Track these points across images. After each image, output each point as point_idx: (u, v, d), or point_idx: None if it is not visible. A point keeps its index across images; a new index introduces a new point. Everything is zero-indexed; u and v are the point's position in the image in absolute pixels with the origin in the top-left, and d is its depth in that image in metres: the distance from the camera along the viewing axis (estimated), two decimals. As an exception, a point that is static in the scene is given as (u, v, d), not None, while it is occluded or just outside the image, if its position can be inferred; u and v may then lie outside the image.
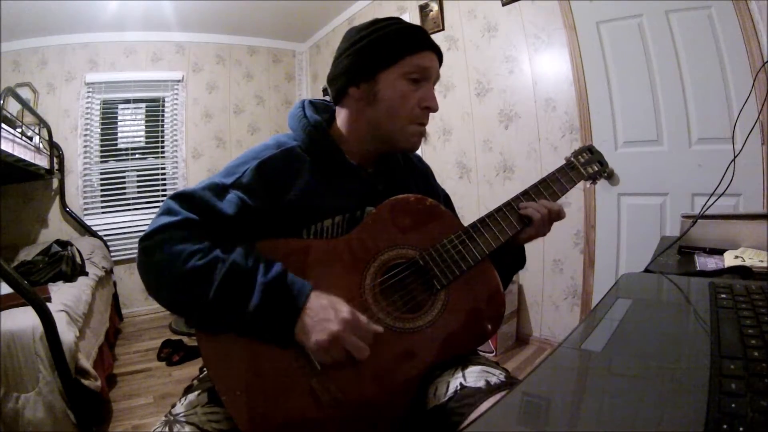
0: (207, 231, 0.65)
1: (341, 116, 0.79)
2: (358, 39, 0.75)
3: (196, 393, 0.67)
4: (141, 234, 0.65)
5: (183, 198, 0.67)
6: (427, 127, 0.79)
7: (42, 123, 2.76)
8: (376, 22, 0.76)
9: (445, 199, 0.93)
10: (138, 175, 3.43)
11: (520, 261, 0.85)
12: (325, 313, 0.60)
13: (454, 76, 2.58)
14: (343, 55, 0.76)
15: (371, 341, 0.62)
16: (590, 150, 0.89)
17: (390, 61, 0.72)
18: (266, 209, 0.70)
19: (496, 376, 0.64)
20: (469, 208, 2.50)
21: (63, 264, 2.12)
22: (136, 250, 0.66)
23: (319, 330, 0.59)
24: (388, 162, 0.83)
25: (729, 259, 0.77)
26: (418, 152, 0.89)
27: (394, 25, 0.75)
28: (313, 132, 0.75)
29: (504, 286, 0.76)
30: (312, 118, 0.77)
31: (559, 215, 0.78)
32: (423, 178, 0.89)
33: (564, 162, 0.86)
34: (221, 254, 0.62)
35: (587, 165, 0.86)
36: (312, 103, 0.81)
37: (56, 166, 2.91)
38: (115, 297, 3.01)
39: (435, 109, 0.76)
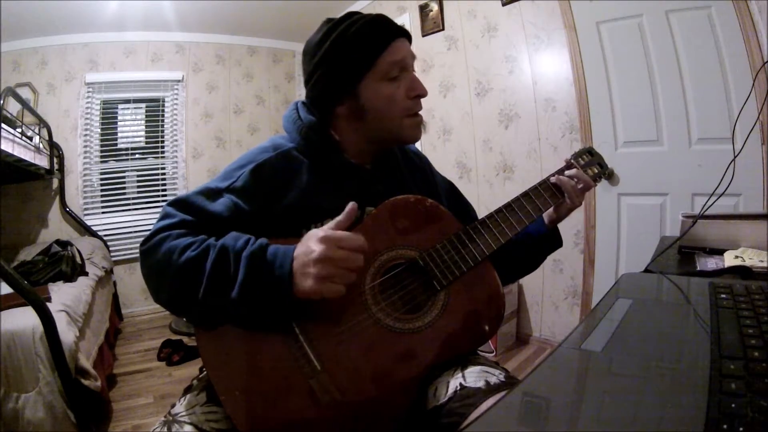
0: (203, 231, 0.66)
1: (334, 129, 0.77)
2: (322, 56, 0.71)
3: (195, 392, 0.67)
4: (141, 234, 0.65)
5: (178, 203, 0.68)
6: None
7: (42, 123, 2.76)
8: (331, 28, 0.71)
9: (450, 188, 0.93)
10: (138, 175, 3.43)
11: (556, 241, 0.87)
12: (306, 248, 0.59)
13: (454, 76, 2.58)
14: (313, 77, 0.73)
15: (360, 245, 0.60)
16: (590, 152, 0.89)
17: (363, 70, 0.70)
18: (264, 212, 0.70)
19: (496, 376, 0.64)
20: (469, 208, 2.50)
21: (63, 264, 2.12)
22: (136, 250, 0.67)
23: (308, 265, 0.58)
24: (386, 160, 0.83)
25: (729, 259, 0.77)
26: (418, 147, 0.89)
27: (352, 25, 0.70)
28: (308, 132, 0.75)
29: (535, 266, 0.87)
30: (306, 118, 0.76)
31: (587, 184, 0.81)
32: (422, 174, 0.88)
33: (564, 164, 0.86)
34: (214, 242, 0.63)
35: (587, 167, 0.86)
36: (305, 103, 0.81)
37: (56, 166, 2.91)
38: (115, 297, 3.00)
39: (424, 95, 0.75)
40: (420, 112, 0.77)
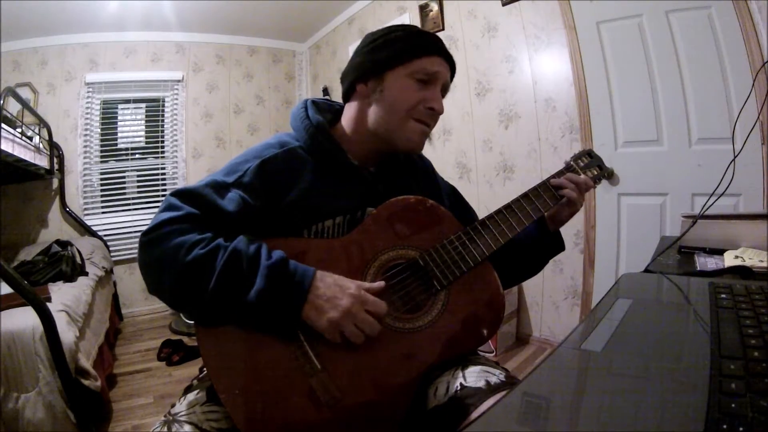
0: (209, 226, 0.65)
1: (347, 113, 0.80)
2: (372, 40, 0.77)
3: (195, 392, 0.67)
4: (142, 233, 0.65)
5: (184, 194, 0.67)
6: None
7: (42, 123, 2.76)
8: (392, 27, 0.78)
9: (452, 192, 0.93)
10: (138, 175, 3.43)
11: (558, 245, 0.87)
12: (333, 291, 0.62)
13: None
14: (356, 54, 0.79)
15: (382, 314, 0.64)
16: (589, 154, 0.89)
17: (398, 61, 0.74)
18: (267, 209, 0.70)
19: (496, 376, 0.64)
20: (469, 208, 2.50)
21: (63, 264, 2.12)
22: (136, 250, 0.66)
23: (330, 308, 0.61)
24: (389, 162, 0.83)
25: (729, 259, 0.77)
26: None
27: (408, 29, 0.77)
28: (314, 132, 0.75)
29: (537, 270, 0.88)
30: (314, 118, 0.77)
31: (586, 185, 0.82)
32: (424, 176, 0.89)
33: (564, 165, 0.86)
34: (223, 243, 0.63)
35: (586, 169, 0.87)
36: (315, 102, 0.81)
37: (56, 166, 2.91)
38: (115, 297, 3.01)
39: (440, 111, 0.76)
40: (430, 128, 0.78)
